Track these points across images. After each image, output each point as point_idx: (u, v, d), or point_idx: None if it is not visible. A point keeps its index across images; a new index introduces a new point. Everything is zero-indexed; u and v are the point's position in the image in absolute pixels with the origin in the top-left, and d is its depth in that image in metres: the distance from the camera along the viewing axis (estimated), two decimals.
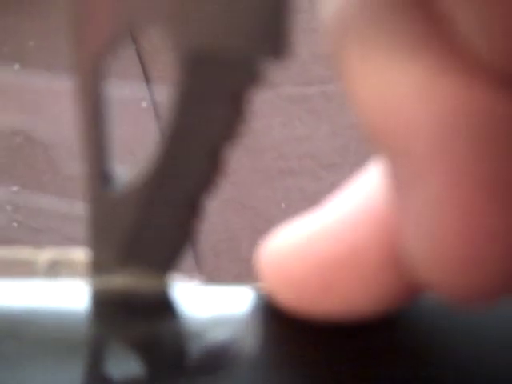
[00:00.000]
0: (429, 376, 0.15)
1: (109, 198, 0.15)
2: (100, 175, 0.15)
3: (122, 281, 0.15)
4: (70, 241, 0.62)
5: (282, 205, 0.68)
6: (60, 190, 0.70)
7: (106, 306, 0.15)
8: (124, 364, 0.15)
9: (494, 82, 0.11)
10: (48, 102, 0.78)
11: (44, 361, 0.15)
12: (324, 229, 0.14)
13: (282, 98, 0.77)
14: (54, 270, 0.17)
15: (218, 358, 0.15)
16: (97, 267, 0.16)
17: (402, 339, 0.15)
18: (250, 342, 0.15)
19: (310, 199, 0.70)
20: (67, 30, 0.14)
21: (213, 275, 0.66)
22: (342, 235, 0.14)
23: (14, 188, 0.70)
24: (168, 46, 0.13)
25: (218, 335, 0.15)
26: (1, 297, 0.15)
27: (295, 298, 0.15)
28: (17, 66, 0.82)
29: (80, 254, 0.17)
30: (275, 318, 0.15)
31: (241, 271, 0.65)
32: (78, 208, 0.69)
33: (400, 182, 0.12)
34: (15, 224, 0.67)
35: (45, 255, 0.17)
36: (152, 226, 0.15)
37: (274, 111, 0.75)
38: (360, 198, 0.14)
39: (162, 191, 0.15)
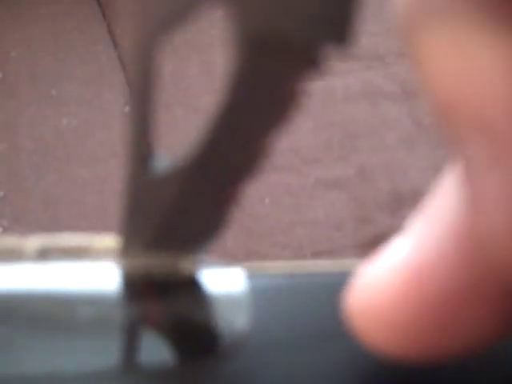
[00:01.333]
0: None
1: (147, 181, 0.15)
2: (141, 158, 0.15)
3: (150, 263, 0.15)
4: None
5: (266, 200, 0.68)
6: (46, 195, 0.70)
7: (135, 288, 0.16)
8: (152, 345, 0.15)
9: None
10: (31, 109, 0.78)
11: (75, 342, 0.15)
12: (420, 264, 0.13)
13: None
14: (43, 257, 0.16)
15: (247, 340, 0.15)
16: (126, 249, 0.16)
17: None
18: (276, 323, 0.15)
19: (293, 195, 0.70)
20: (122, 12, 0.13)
21: None
22: (444, 269, 0.13)
23: (0, 194, 0.70)
24: (230, 25, 0.12)
25: (246, 317, 0.15)
26: (33, 280, 0.15)
27: (401, 342, 0.13)
28: (0, 75, 0.82)
29: (69, 240, 0.17)
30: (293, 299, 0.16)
31: None
32: (63, 214, 0.69)
33: (476, 165, 0.11)
34: (0, 229, 0.67)
35: (33, 242, 0.16)
36: (188, 210, 0.15)
37: None
38: (445, 222, 0.13)
39: (202, 176, 0.14)
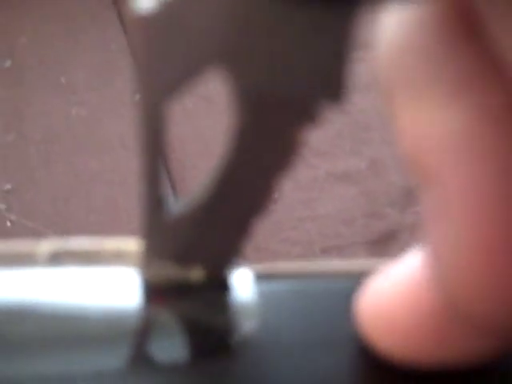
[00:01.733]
0: None
1: (163, 221, 0.16)
2: (156, 200, 0.16)
3: (163, 267, 0.16)
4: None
5: (275, 194, 0.68)
6: (55, 187, 0.70)
7: (147, 292, 0.16)
8: (170, 348, 0.15)
9: None
10: (40, 98, 0.78)
11: (94, 346, 0.15)
12: (420, 279, 0.14)
13: None
14: (55, 261, 0.17)
15: (257, 342, 0.16)
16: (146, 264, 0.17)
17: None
18: (286, 325, 0.16)
19: (303, 188, 0.69)
20: (134, 75, 0.14)
21: None
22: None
23: (7, 186, 0.70)
24: (231, 85, 0.13)
25: (256, 319, 0.16)
26: (54, 285, 0.16)
27: (406, 348, 0.15)
28: (8, 63, 0.82)
29: (81, 243, 0.17)
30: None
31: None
32: (72, 206, 0.69)
33: (428, 213, 0.13)
34: (9, 223, 0.67)
35: (45, 247, 0.17)
36: (202, 245, 0.16)
37: None
38: None
39: (214, 215, 0.15)
